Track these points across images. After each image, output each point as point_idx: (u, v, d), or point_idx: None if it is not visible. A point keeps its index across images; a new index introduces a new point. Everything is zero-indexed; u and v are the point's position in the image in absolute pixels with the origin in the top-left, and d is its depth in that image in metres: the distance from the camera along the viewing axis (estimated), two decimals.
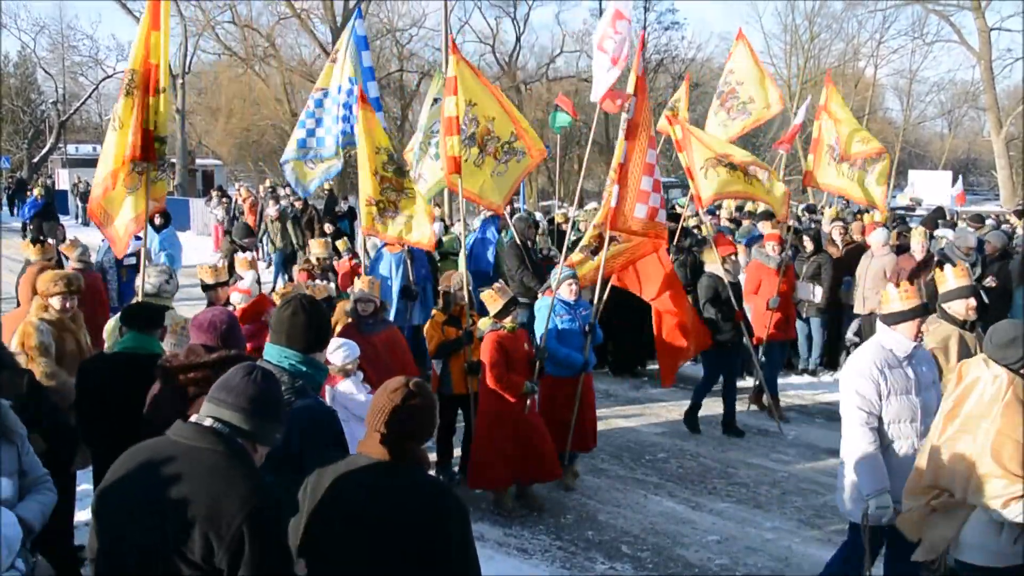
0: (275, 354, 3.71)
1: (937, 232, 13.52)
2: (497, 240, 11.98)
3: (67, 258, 9.84)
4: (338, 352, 6.48)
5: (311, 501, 3.25)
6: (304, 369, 3.69)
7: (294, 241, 17.99)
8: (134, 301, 6.63)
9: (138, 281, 7.28)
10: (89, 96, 45.59)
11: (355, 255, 13.63)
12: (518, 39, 44.01)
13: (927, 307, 5.21)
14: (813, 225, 14.74)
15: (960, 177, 32.62)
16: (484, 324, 7.59)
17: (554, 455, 7.48)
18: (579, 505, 7.45)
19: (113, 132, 6.99)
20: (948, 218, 16.85)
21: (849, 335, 11.22)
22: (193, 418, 3.00)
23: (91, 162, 44.94)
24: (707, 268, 9.61)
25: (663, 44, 46.19)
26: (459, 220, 12.69)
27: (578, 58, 43.06)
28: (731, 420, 9.47)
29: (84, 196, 33.37)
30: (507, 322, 7.35)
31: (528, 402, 7.39)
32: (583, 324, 7.89)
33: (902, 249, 11.46)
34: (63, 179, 43.37)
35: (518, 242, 11.27)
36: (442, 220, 15.45)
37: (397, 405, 3.20)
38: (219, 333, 4.53)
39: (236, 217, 20.42)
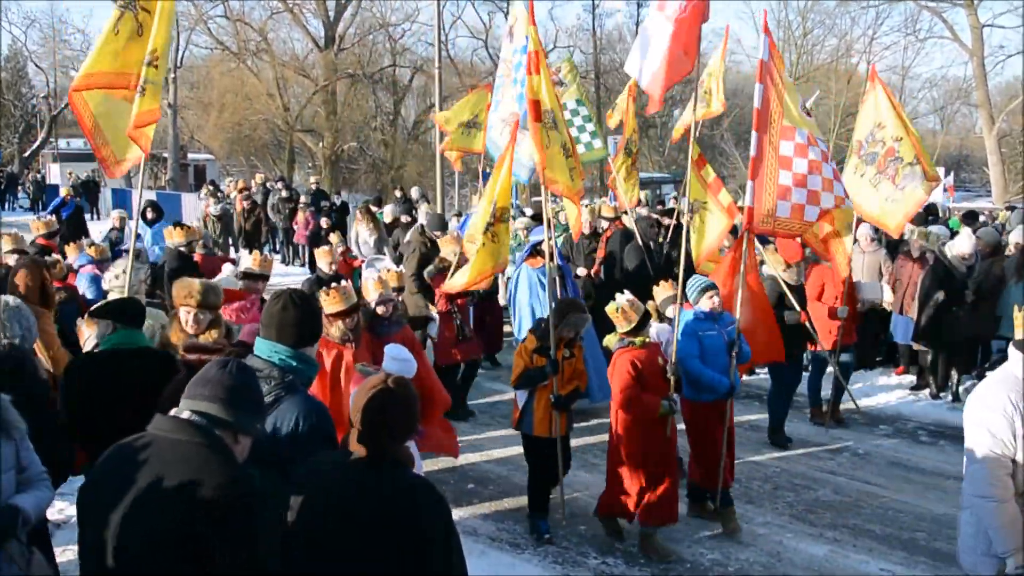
0: (265, 349, 3.69)
1: (932, 229, 13.53)
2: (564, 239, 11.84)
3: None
4: (394, 368, 5.84)
5: (296, 498, 3.26)
6: (294, 364, 3.67)
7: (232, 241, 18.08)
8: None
9: (107, 276, 7.22)
10: None
11: (348, 249, 13.61)
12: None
13: None
14: None
15: (952, 172, 32.66)
16: (611, 341, 6.75)
17: (675, 496, 6.67)
18: (571, 500, 7.45)
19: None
20: (941, 215, 16.87)
21: None
22: (172, 411, 3.01)
23: (83, 157, 44.99)
24: (766, 271, 9.14)
25: None
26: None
27: (571, 53, 42.96)
28: (780, 428, 9.15)
29: (75, 190, 33.26)
30: (637, 337, 6.59)
31: (669, 427, 6.58)
32: (728, 340, 7.01)
33: (891, 246, 11.48)
34: (54, 173, 43.21)
35: (640, 243, 11.01)
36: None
37: (372, 402, 3.21)
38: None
39: (228, 210, 20.38)
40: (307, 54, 41.38)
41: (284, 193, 20.50)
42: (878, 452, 8.97)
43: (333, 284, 6.58)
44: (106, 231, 14.81)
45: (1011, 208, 18.68)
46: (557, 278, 9.20)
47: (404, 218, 15.14)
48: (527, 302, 10.00)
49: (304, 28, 40.06)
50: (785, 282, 8.93)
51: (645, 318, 6.61)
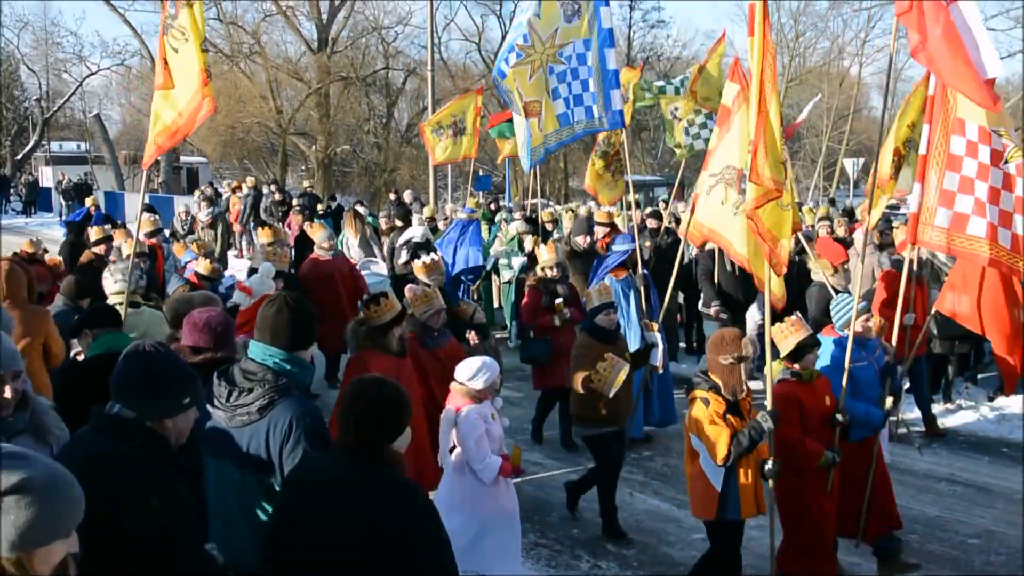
0: (259, 352, 3.70)
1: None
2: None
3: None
4: (479, 377, 5.53)
5: (282, 497, 3.28)
6: (288, 367, 3.68)
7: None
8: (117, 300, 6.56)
9: (107, 280, 7.21)
10: (73, 93, 45.24)
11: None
12: (503, 37, 43.97)
13: None
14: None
15: None
16: (775, 370, 5.77)
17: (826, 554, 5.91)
18: (564, 503, 7.45)
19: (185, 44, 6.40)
20: None
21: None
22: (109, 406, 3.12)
23: (75, 159, 44.95)
24: (815, 277, 8.84)
25: (648, 42, 46.40)
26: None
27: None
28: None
29: (67, 193, 33.20)
30: (802, 366, 5.73)
31: (830, 481, 5.78)
32: (879, 368, 6.29)
33: (884, 247, 11.49)
34: (47, 176, 43.08)
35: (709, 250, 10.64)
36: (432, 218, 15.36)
37: (358, 397, 3.23)
38: (214, 335, 4.50)
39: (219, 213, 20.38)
40: (300, 57, 41.37)
41: (277, 196, 20.48)
42: None
43: (383, 293, 6.27)
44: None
45: None
46: (642, 288, 9.01)
47: (398, 223, 15.11)
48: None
49: (297, 31, 40.06)
50: (834, 288, 8.40)
51: (811, 341, 5.77)
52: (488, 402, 5.60)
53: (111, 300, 6.63)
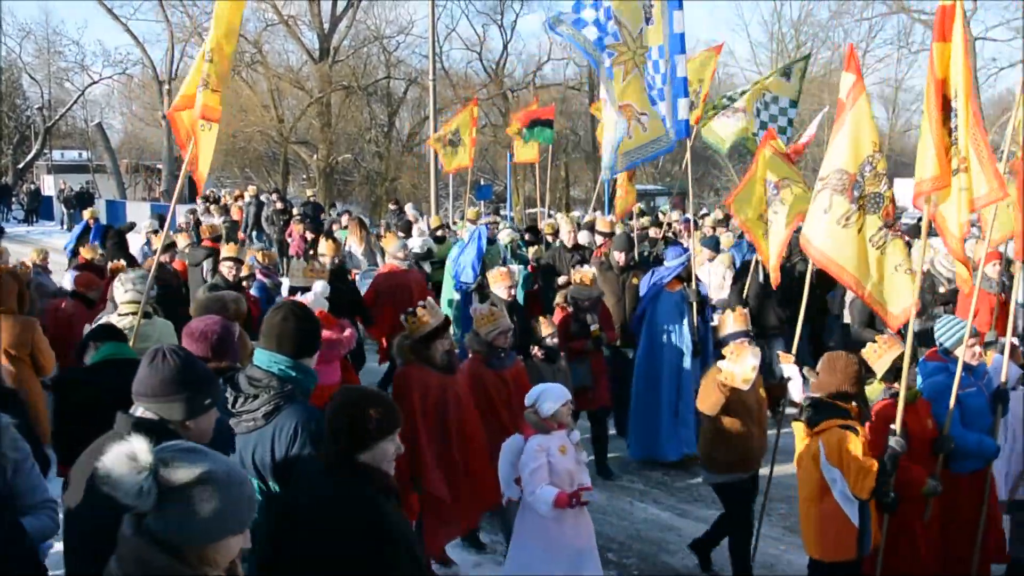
0: (264, 359, 3.73)
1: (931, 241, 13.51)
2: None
3: None
4: (539, 404, 5.15)
5: (279, 504, 3.33)
6: (293, 374, 3.71)
7: None
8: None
9: (118, 288, 7.23)
10: (75, 102, 45.34)
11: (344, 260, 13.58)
12: (505, 46, 44.02)
13: None
14: None
15: None
16: (875, 391, 5.51)
17: None
18: None
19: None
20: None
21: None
22: (133, 409, 3.11)
23: (76, 168, 45.02)
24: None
25: None
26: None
27: (565, 65, 43.12)
28: None
29: (69, 202, 33.29)
30: (901, 386, 5.27)
31: (928, 511, 5.42)
32: (989, 394, 5.78)
33: None
34: (48, 185, 43.18)
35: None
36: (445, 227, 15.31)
37: (338, 406, 3.25)
38: (211, 343, 4.51)
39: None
40: (302, 66, 41.40)
41: (279, 205, 20.53)
42: None
43: (420, 303, 5.86)
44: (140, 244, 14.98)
45: None
46: (695, 303, 8.60)
47: (400, 234, 15.16)
48: (663, 329, 8.70)
49: (299, 40, 40.12)
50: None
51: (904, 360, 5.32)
52: (559, 434, 5.14)
53: (122, 309, 6.62)
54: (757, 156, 7.58)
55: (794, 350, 6.46)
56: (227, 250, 9.38)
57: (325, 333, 5.49)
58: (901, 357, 5.31)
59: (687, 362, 8.51)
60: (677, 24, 8.07)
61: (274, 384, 3.65)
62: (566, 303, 8.53)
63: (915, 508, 5.35)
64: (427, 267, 12.08)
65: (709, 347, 8.66)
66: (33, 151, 44.86)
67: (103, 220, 19.16)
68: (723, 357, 5.96)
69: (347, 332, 7.37)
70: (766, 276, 9.42)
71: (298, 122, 40.72)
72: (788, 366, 6.11)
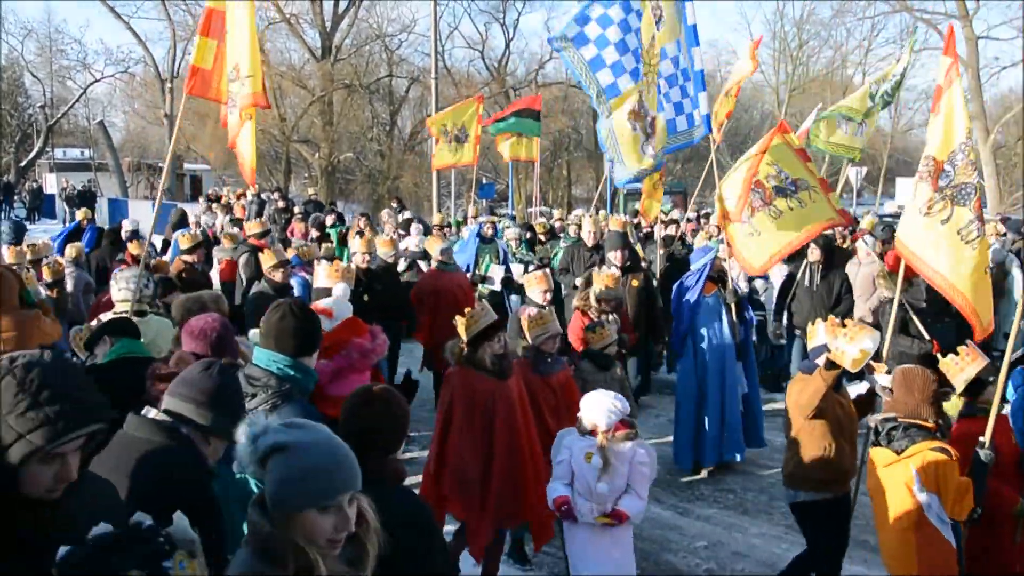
0: (264, 358, 3.73)
1: None
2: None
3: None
4: (584, 412, 5.02)
5: None
6: (292, 373, 3.70)
7: None
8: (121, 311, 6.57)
9: (114, 286, 7.21)
10: (77, 100, 45.38)
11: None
12: (507, 45, 44.08)
13: None
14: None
15: None
16: (953, 406, 5.15)
17: None
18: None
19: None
20: None
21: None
22: (145, 411, 3.07)
23: (78, 166, 45.01)
24: (885, 294, 8.34)
25: None
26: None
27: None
28: None
29: (71, 200, 33.29)
30: (983, 401, 4.96)
31: (1020, 532, 4.93)
32: None
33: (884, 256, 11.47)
34: (50, 183, 43.17)
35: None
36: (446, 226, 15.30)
37: (353, 409, 3.23)
38: (210, 341, 4.51)
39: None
40: (304, 64, 41.42)
41: (280, 203, 20.53)
42: None
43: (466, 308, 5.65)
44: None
45: (1005, 220, 18.73)
46: (733, 305, 8.33)
47: (400, 232, 15.15)
48: (703, 336, 8.30)
49: (301, 38, 40.15)
50: (909, 304, 7.68)
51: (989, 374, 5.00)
52: (591, 439, 4.97)
53: (117, 308, 6.62)
54: (760, 153, 7.50)
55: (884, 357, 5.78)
56: (268, 257, 8.81)
57: (357, 341, 5.33)
58: (984, 371, 5.00)
59: (730, 365, 8.21)
60: (690, 16, 8.02)
61: (272, 383, 3.64)
62: (586, 304, 8.06)
63: (1006, 531, 4.95)
64: (424, 266, 12.06)
65: (751, 350, 8.53)
66: (35, 149, 44.88)
67: (105, 218, 19.16)
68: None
69: (379, 340, 7.27)
70: (810, 279, 9.55)
71: (300, 120, 40.76)
72: (881, 376, 5.30)
